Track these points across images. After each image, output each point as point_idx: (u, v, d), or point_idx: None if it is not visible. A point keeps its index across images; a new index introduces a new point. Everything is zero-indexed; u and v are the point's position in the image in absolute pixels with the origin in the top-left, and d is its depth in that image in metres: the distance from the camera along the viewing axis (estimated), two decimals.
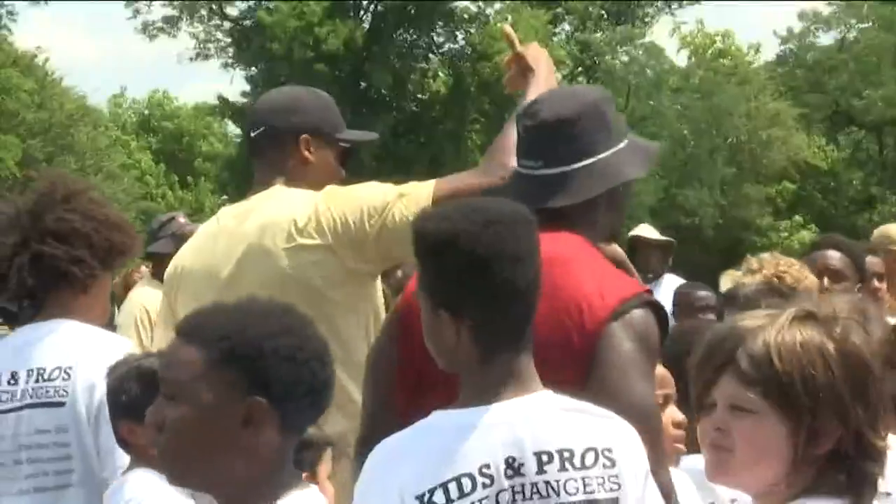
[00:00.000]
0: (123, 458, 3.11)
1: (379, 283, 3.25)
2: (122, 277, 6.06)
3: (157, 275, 6.20)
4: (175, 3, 37.41)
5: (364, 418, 2.69)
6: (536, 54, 3.21)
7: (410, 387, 2.58)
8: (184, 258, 3.31)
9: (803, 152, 37.03)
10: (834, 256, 4.66)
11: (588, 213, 2.66)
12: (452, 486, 2.16)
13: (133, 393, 2.96)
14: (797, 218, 37.55)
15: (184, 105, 55.03)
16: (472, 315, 2.25)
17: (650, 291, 2.64)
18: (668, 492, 2.46)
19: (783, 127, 36.26)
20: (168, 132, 53.11)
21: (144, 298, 6.12)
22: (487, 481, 2.18)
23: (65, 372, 3.20)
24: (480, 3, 36.74)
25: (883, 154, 38.34)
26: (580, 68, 37.56)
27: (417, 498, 2.15)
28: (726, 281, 4.66)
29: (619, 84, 36.18)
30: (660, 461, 2.47)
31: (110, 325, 5.96)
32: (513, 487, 2.18)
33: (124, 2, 37.48)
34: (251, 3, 36.75)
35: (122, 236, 3.37)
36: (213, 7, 37.46)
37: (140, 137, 51.33)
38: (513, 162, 2.83)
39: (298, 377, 2.01)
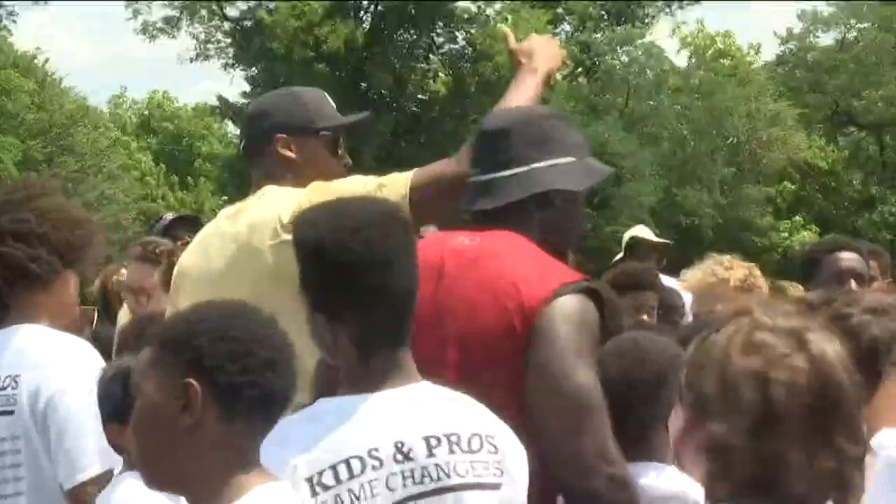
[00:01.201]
0: (92, 463, 3.16)
1: None
2: (101, 279, 6.05)
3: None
4: (175, 3, 37.43)
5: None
6: (528, 46, 3.25)
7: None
8: (185, 260, 3.34)
9: (803, 152, 37.05)
10: (860, 260, 4.65)
11: (518, 219, 2.73)
12: (342, 468, 2.20)
13: (115, 394, 2.98)
14: (797, 218, 37.57)
15: (184, 106, 55.08)
16: (346, 318, 2.30)
17: (589, 280, 2.69)
18: (621, 480, 2.46)
19: (783, 127, 36.28)
20: (168, 133, 53.14)
21: None
22: (377, 463, 2.22)
23: (13, 380, 3.23)
24: (480, 4, 36.76)
25: (883, 154, 38.35)
26: (580, 69, 37.56)
27: (307, 480, 2.19)
28: (692, 277, 4.63)
29: (619, 84, 36.21)
30: (601, 450, 2.48)
31: (112, 324, 5.98)
32: (402, 472, 2.23)
33: (124, 2, 37.52)
34: (251, 3, 36.79)
35: (80, 232, 3.40)
36: (214, 7, 37.47)
37: (140, 138, 51.36)
38: None
39: (231, 355, 2.01)
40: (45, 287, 3.34)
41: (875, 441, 2.53)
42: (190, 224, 6.20)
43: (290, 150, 3.25)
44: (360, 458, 2.22)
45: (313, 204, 2.98)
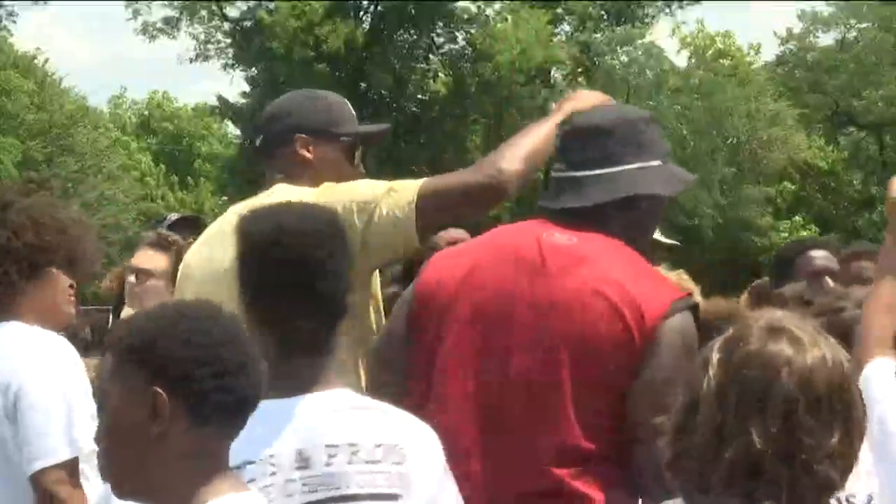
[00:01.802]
0: (53, 451, 3.18)
1: (377, 278, 3.27)
2: (117, 276, 6.06)
3: None
4: (175, 3, 37.43)
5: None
6: (567, 103, 3.22)
7: (423, 374, 2.65)
8: (190, 257, 3.36)
9: (803, 152, 37.05)
10: (832, 258, 4.66)
11: (602, 218, 2.70)
12: (239, 473, 2.21)
13: None
14: (797, 218, 37.56)
15: (184, 106, 55.10)
16: (270, 319, 2.34)
17: (691, 294, 2.70)
18: None
19: (783, 127, 36.27)
20: (168, 133, 53.16)
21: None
22: (274, 469, 2.25)
23: None
24: (480, 4, 36.76)
25: (883, 154, 38.35)
26: (580, 69, 37.55)
27: None
28: None
29: (619, 84, 36.20)
30: None
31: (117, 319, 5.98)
32: (300, 479, 2.26)
33: (124, 2, 37.52)
34: (251, 3, 36.78)
35: (49, 236, 3.44)
36: (213, 8, 37.47)
37: (140, 138, 51.37)
38: (509, 164, 2.90)
39: (198, 360, 1.94)
40: (22, 293, 3.39)
41: (862, 377, 2.55)
42: (192, 225, 6.20)
43: (309, 151, 3.25)
44: (259, 464, 2.24)
45: (325, 203, 3.02)
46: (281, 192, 3.17)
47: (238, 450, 2.17)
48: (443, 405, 2.62)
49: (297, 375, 2.33)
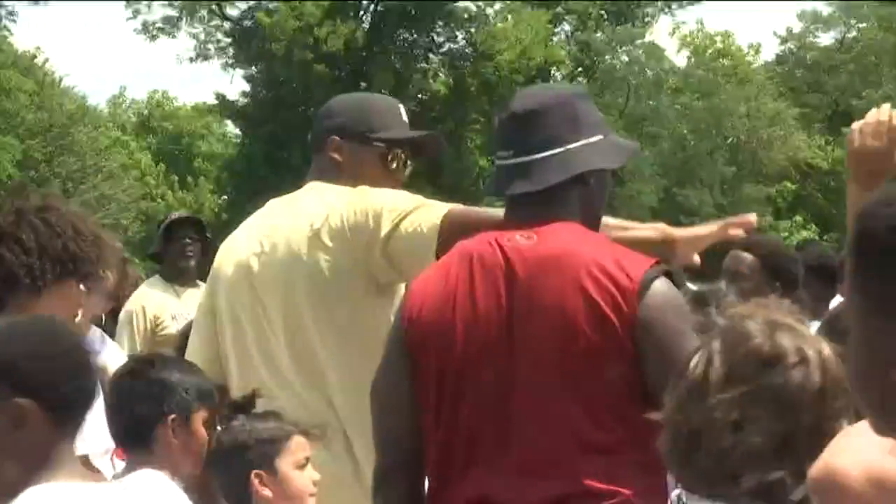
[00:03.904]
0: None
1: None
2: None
3: (163, 274, 6.33)
4: (175, 3, 37.42)
5: (382, 447, 2.73)
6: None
7: (435, 402, 2.63)
8: (220, 255, 3.41)
9: (803, 152, 37.07)
10: (738, 260, 4.68)
11: (558, 202, 2.69)
12: None
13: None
14: (797, 218, 37.57)
15: (183, 105, 55.10)
16: None
17: (660, 262, 2.66)
18: None
19: (783, 127, 36.30)
20: (168, 132, 53.15)
21: (143, 297, 6.16)
22: None
23: None
24: (480, 3, 36.77)
25: None
26: (580, 68, 37.56)
27: None
28: None
29: (619, 84, 36.22)
30: None
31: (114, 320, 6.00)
32: None
33: (124, 2, 37.53)
34: (251, 3, 36.78)
35: (85, 247, 3.43)
36: (213, 7, 37.47)
37: (140, 138, 51.36)
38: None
39: (54, 370, 2.19)
40: (37, 293, 3.38)
41: None
42: (194, 225, 6.27)
43: (340, 154, 3.30)
44: None
45: (354, 207, 3.11)
46: (311, 190, 3.27)
47: None
48: (452, 428, 2.61)
49: None
